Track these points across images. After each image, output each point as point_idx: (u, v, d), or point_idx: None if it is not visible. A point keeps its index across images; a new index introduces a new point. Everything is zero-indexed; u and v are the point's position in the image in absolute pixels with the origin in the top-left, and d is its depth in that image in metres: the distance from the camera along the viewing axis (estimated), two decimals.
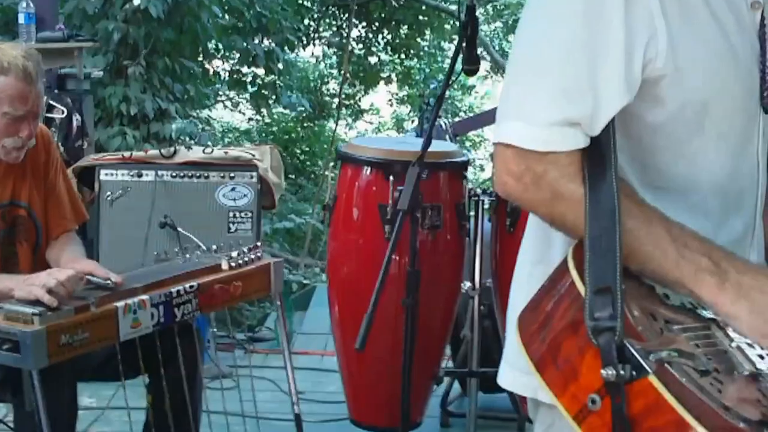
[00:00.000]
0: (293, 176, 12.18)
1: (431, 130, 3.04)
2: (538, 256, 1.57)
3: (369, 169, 3.64)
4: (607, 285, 1.27)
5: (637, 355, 1.22)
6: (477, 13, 3.23)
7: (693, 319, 1.38)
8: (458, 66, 3.30)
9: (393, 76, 14.66)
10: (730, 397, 1.23)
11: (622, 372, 1.21)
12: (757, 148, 1.55)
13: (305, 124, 13.41)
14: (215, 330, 4.95)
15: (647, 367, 1.21)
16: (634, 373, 1.21)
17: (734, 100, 1.48)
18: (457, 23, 3.44)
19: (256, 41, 9.18)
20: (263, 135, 12.61)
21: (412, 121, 13.90)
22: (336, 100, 13.51)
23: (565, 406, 1.28)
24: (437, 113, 3.16)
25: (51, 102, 4.95)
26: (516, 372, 1.56)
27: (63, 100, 5.06)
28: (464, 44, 3.12)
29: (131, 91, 6.93)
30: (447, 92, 3.45)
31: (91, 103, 5.62)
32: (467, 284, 3.64)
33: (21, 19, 5.10)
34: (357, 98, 14.76)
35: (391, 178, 3.46)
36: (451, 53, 12.80)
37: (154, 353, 2.75)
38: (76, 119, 5.06)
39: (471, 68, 3.18)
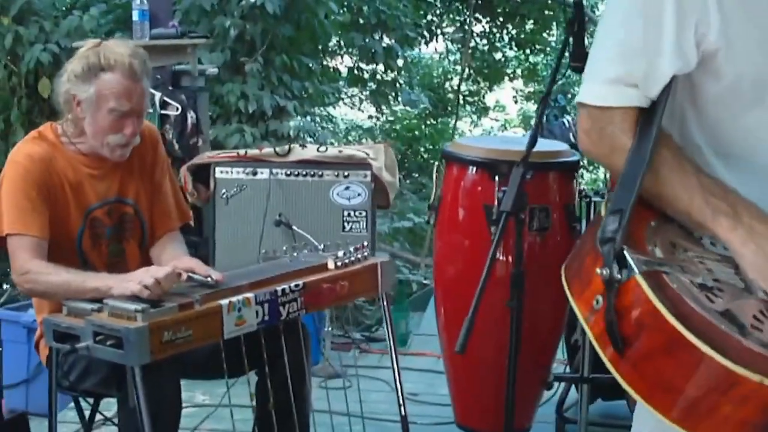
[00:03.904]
0: (416, 174, 12.12)
1: (536, 130, 2.94)
2: None
3: (474, 168, 3.56)
4: (621, 208, 1.49)
5: (630, 260, 1.43)
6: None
7: (719, 256, 1.56)
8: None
9: (518, 72, 14.48)
10: (718, 305, 1.43)
11: (617, 275, 1.42)
12: None
13: (428, 122, 13.35)
14: (331, 329, 4.95)
15: (636, 269, 1.42)
16: (627, 271, 1.42)
17: None
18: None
19: (376, 38, 9.16)
20: (386, 133, 12.60)
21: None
22: (459, 97, 13.41)
23: (579, 309, 1.50)
24: (543, 112, 3.07)
25: (165, 99, 5.01)
26: None
27: (177, 97, 5.10)
28: (571, 40, 3.04)
29: (249, 88, 6.95)
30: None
31: (206, 99, 5.65)
32: None
33: (135, 16, 5.17)
34: (481, 95, 14.62)
35: (496, 178, 3.38)
36: None
37: (259, 352, 2.74)
38: (190, 116, 5.08)
39: (579, 65, 3.09)
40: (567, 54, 3.17)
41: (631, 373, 1.43)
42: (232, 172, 4.50)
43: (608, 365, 1.45)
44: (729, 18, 1.54)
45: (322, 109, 10.20)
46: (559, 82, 10.96)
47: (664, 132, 1.60)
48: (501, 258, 3.25)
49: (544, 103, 3.13)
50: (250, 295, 2.66)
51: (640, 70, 1.59)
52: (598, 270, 1.44)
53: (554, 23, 13.32)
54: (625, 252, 1.44)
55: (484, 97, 14.73)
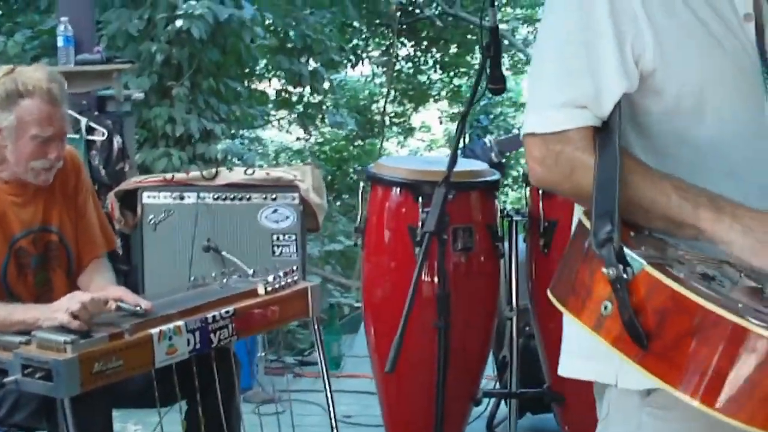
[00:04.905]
0: (346, 196, 12.12)
1: (455, 151, 3.00)
2: None
3: (397, 190, 3.61)
4: (607, 210, 1.47)
5: (633, 255, 1.42)
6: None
7: (702, 256, 1.54)
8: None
9: (443, 93, 14.62)
10: (724, 292, 1.42)
11: (623, 273, 1.39)
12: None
13: (356, 143, 13.40)
14: (264, 354, 4.93)
15: (642, 261, 1.40)
16: (631, 268, 1.40)
17: (730, 91, 1.65)
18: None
19: (302, 61, 9.20)
20: (315, 154, 12.60)
21: (464, 139, 13.77)
22: (385, 118, 13.50)
23: (584, 322, 1.46)
24: (461, 134, 3.11)
25: (91, 124, 4.97)
26: (573, 358, 1.72)
27: (103, 122, 5.05)
28: (488, 64, 3.10)
29: (176, 112, 6.92)
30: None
31: (133, 124, 5.62)
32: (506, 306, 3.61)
33: (59, 42, 5.13)
34: (407, 116, 14.72)
35: (420, 199, 3.43)
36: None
37: (191, 380, 2.73)
38: (117, 141, 5.03)
39: (496, 87, 3.16)
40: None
41: (661, 366, 1.38)
42: (159, 197, 4.44)
43: (634, 366, 1.40)
44: (662, 37, 1.59)
45: (251, 131, 10.18)
46: (482, 103, 11.12)
47: (621, 145, 1.60)
48: (427, 279, 3.30)
49: (462, 125, 3.17)
50: (180, 323, 2.65)
51: (587, 92, 1.59)
52: (604, 270, 1.41)
53: (476, 47, 13.48)
54: (625, 250, 1.43)
55: (410, 118, 14.84)
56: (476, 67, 13.89)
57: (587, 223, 1.51)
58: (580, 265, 1.51)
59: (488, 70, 3.18)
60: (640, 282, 1.40)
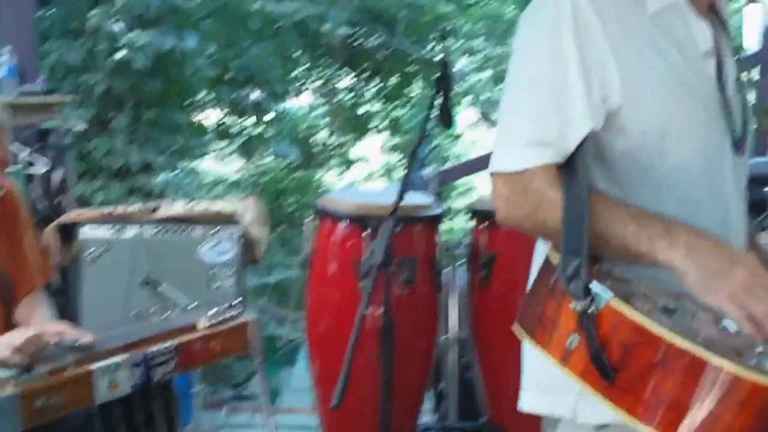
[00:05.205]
0: (284, 226, 12.09)
1: (405, 186, 3.04)
2: None
3: (345, 223, 3.66)
4: (576, 246, 1.52)
5: (599, 289, 1.46)
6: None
7: (668, 292, 1.57)
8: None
9: (383, 124, 14.68)
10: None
11: (590, 307, 1.44)
12: (726, 186, 1.77)
13: (295, 174, 13.39)
14: (201, 387, 4.89)
15: (609, 295, 1.45)
16: (597, 302, 1.44)
17: (693, 127, 1.71)
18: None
19: (245, 92, 9.21)
20: (253, 186, 12.56)
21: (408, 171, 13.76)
22: (326, 149, 13.53)
23: (551, 353, 1.49)
24: (411, 169, 3.15)
25: (32, 157, 4.91)
26: (531, 392, 1.77)
27: (44, 155, 5.01)
28: (439, 97, 3.13)
29: (116, 144, 6.89)
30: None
31: (74, 157, 5.58)
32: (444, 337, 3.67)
33: (1, 72, 5.09)
34: (347, 147, 14.76)
35: (366, 232, 3.49)
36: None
37: (132, 415, 2.72)
38: (57, 174, 5.00)
39: (445, 120, 3.20)
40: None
41: (627, 398, 1.41)
42: (98, 231, 4.41)
43: (601, 399, 1.43)
44: (628, 75, 1.64)
45: (188, 163, 10.13)
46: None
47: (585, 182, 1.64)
48: (372, 312, 3.33)
49: (413, 158, 3.20)
50: (123, 358, 2.63)
51: (554, 131, 1.62)
52: (571, 305, 1.45)
53: (416, 79, 13.60)
54: (592, 284, 1.46)
55: (349, 149, 14.87)
56: (415, 98, 14.06)
57: (554, 259, 1.55)
58: (547, 299, 1.54)
59: (438, 104, 3.20)
60: (606, 315, 1.43)
